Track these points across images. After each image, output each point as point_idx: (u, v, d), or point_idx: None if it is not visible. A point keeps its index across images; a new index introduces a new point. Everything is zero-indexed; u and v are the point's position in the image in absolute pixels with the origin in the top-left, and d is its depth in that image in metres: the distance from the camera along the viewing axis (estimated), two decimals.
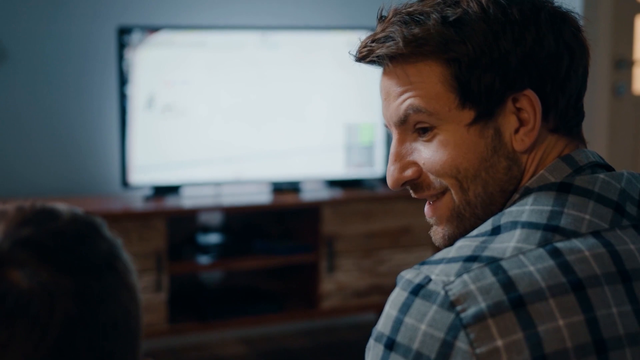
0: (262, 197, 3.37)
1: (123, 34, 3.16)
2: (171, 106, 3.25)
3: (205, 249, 3.27)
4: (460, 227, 1.01)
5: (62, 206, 0.76)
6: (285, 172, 3.40)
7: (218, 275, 3.51)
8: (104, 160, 3.37)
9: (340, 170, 3.48)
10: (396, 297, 0.90)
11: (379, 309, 3.62)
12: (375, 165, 3.52)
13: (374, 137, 3.50)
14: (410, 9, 0.99)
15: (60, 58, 3.29)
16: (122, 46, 3.15)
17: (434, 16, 0.97)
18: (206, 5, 3.46)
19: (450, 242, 1.02)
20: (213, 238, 3.35)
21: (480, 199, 0.99)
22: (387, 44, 0.99)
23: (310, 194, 3.42)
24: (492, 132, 0.98)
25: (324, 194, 3.43)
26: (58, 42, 3.28)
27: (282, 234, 3.49)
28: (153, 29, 3.21)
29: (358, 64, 1.04)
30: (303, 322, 3.64)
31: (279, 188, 3.41)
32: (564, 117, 1.00)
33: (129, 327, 0.73)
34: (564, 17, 1.00)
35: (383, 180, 3.53)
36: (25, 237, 0.70)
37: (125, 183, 3.21)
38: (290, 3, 3.60)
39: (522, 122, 0.98)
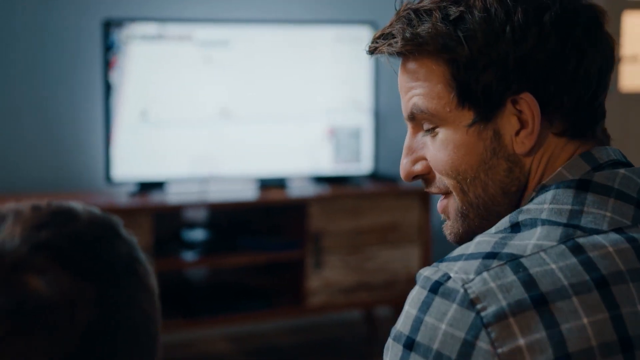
0: (249, 193, 3.34)
1: (108, 27, 3.12)
2: (157, 101, 3.21)
3: (191, 246, 3.25)
4: (465, 225, 1.01)
5: (78, 206, 0.73)
6: (272, 168, 3.38)
7: (204, 272, 3.48)
8: (88, 155, 3.33)
9: (327, 166, 3.46)
10: (416, 295, 0.89)
11: (365, 306, 3.61)
12: (362, 161, 3.50)
13: (361, 133, 3.48)
14: (418, 5, 0.99)
15: (44, 51, 3.25)
16: (107, 40, 3.12)
17: (436, 14, 0.96)
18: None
19: (458, 238, 1.03)
20: (199, 234, 3.32)
21: (482, 200, 0.99)
22: (389, 42, 1.00)
23: (297, 190, 3.40)
24: (492, 134, 0.97)
25: (311, 190, 3.41)
26: (42, 36, 3.24)
27: (268, 230, 3.46)
28: (138, 22, 3.17)
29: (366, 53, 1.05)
30: (290, 319, 3.62)
31: (266, 184, 3.38)
32: (573, 119, 0.98)
33: (148, 331, 0.72)
34: (576, 16, 0.96)
35: (370, 176, 3.52)
36: (44, 241, 0.67)
37: (109, 179, 3.17)
38: None
39: (523, 125, 0.96)
